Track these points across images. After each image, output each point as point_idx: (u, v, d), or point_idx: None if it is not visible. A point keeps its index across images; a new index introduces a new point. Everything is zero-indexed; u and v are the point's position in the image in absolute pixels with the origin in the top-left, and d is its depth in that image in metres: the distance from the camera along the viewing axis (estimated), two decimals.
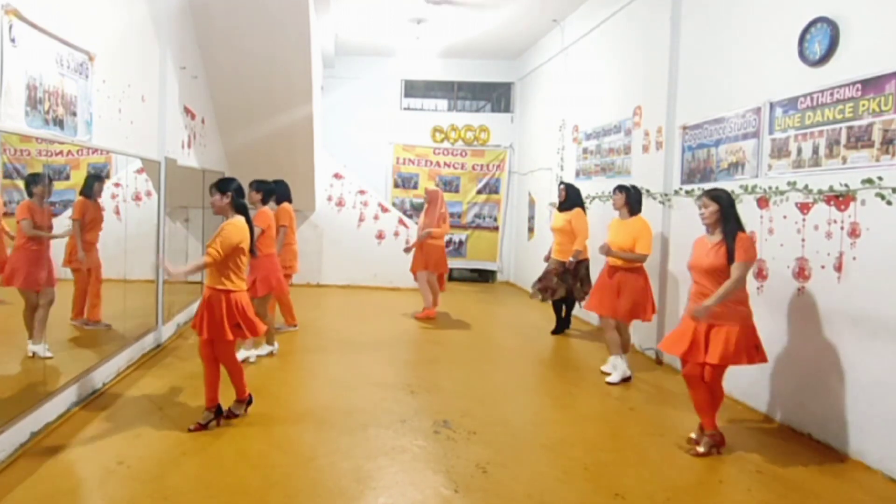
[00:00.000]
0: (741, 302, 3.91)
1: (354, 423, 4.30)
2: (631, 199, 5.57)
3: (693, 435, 4.12)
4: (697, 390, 3.97)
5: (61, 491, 3.24)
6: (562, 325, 7.39)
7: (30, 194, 4.70)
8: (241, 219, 4.17)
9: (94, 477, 3.39)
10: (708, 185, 5.46)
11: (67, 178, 5.57)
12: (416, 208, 11.86)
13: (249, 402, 4.40)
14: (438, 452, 3.86)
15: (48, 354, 4.55)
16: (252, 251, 4.25)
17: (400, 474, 3.58)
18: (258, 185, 5.78)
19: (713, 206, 4.01)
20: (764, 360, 3.98)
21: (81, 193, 5.45)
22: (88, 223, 5.50)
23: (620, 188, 5.65)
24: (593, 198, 7.79)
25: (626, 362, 5.52)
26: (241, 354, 5.32)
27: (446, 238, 11.79)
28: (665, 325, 6.10)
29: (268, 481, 3.40)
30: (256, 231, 5.06)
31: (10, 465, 3.46)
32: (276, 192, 6.18)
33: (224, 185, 4.21)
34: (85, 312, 5.68)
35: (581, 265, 6.83)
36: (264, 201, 5.80)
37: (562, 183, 7.34)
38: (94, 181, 5.50)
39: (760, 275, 4.74)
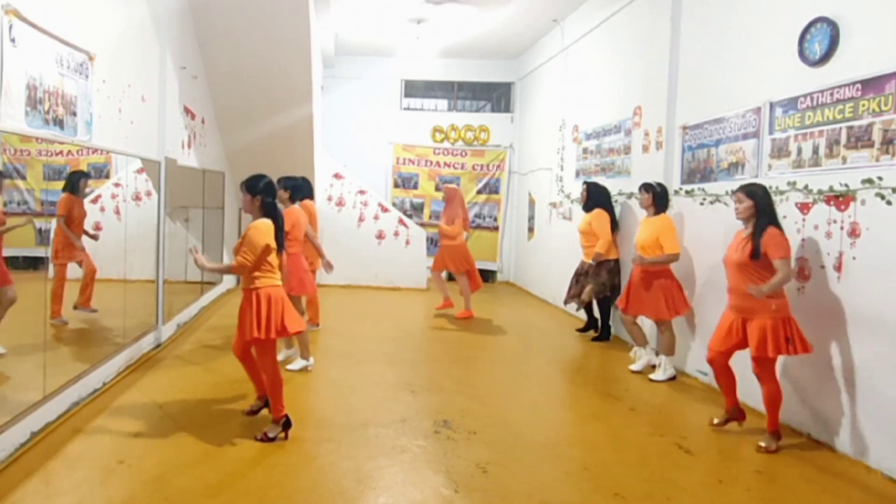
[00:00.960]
0: (771, 296, 3.95)
1: (355, 423, 4.30)
2: (657, 198, 5.64)
3: (716, 420, 4.42)
4: (720, 373, 4.32)
5: (62, 490, 3.24)
6: (590, 326, 7.25)
7: None
8: (266, 221, 3.99)
9: (94, 476, 3.39)
10: (708, 185, 5.47)
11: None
12: (416, 208, 11.88)
13: (287, 424, 3.99)
14: (438, 452, 3.86)
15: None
16: (280, 248, 4.10)
17: (400, 474, 3.58)
18: (286, 183, 5.66)
19: (748, 202, 4.08)
20: (803, 350, 3.97)
21: (66, 190, 5.39)
22: (75, 219, 5.46)
23: (646, 187, 5.71)
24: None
25: (669, 362, 5.52)
26: (297, 364, 5.49)
27: None
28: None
29: (268, 481, 3.41)
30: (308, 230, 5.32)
31: (10, 464, 3.46)
32: (305, 191, 6.20)
33: (253, 185, 4.04)
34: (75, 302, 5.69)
35: (602, 267, 6.63)
36: (293, 199, 5.69)
37: (585, 182, 7.18)
38: (80, 178, 5.45)
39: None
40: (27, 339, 4.47)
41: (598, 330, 7.13)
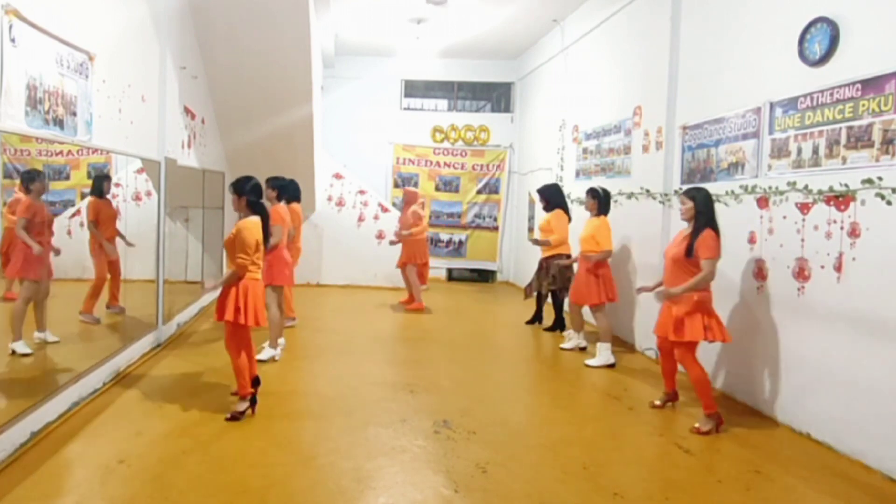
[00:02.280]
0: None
1: (354, 423, 4.30)
2: (601, 202, 6.22)
3: (657, 402, 4.80)
4: (665, 359, 4.72)
5: (62, 490, 3.24)
6: (536, 318, 7.89)
7: None
8: (254, 219, 4.37)
9: (94, 476, 3.39)
10: (708, 185, 5.47)
11: (67, 177, 5.58)
12: None
13: (253, 401, 4.36)
14: (438, 452, 3.86)
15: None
16: (265, 244, 4.49)
17: (400, 474, 3.58)
18: (274, 183, 6.07)
19: (689, 203, 4.45)
20: (721, 338, 4.34)
21: (92, 194, 5.58)
22: (104, 221, 5.70)
23: (592, 193, 6.28)
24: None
25: (606, 348, 6.00)
26: (265, 354, 5.64)
27: (445, 238, 11.97)
28: None
29: (268, 481, 3.41)
30: (278, 230, 5.60)
31: (10, 464, 3.46)
32: (291, 192, 6.39)
33: (240, 186, 4.44)
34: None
35: (553, 260, 7.04)
36: (279, 198, 6.09)
37: (538, 191, 7.56)
38: (103, 181, 5.66)
39: (760, 275, 4.75)
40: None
41: (541, 321, 7.83)
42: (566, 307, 7.24)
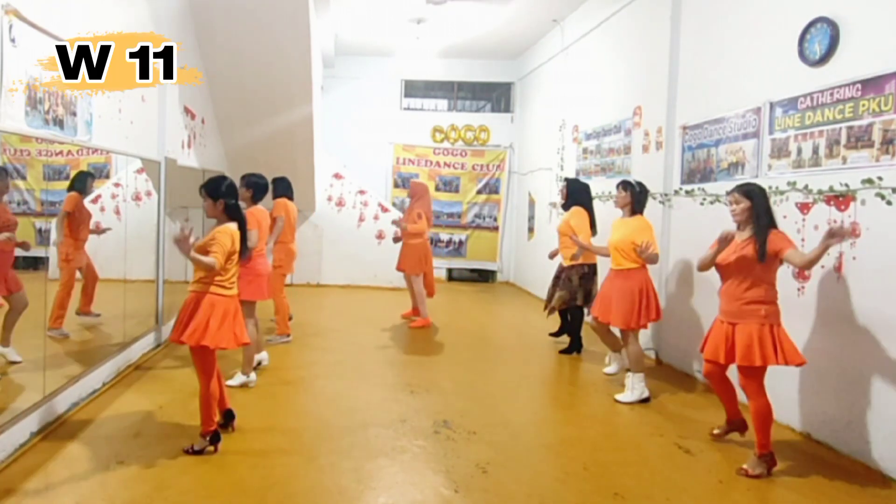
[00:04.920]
0: (760, 301, 3.70)
1: (354, 423, 4.30)
2: (634, 197, 5.15)
3: (716, 430, 4.24)
4: (718, 385, 4.05)
5: (61, 490, 3.24)
6: (563, 330, 6.81)
7: None
8: (232, 226, 3.81)
9: (94, 476, 3.39)
10: (708, 185, 5.47)
11: (67, 177, 5.57)
12: None
13: (216, 438, 3.76)
14: (438, 452, 3.86)
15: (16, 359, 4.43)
16: (242, 255, 3.88)
17: (400, 474, 3.58)
18: (249, 180, 5.21)
19: (745, 203, 3.77)
20: (794, 362, 3.68)
21: (72, 189, 5.33)
22: (79, 220, 5.40)
23: (625, 185, 5.22)
24: (593, 198, 7.77)
25: (639, 380, 5.00)
26: (237, 380, 4.93)
27: (446, 238, 11.88)
28: (666, 326, 6.10)
29: (268, 481, 3.40)
30: (254, 234, 4.79)
31: (10, 464, 3.46)
32: (275, 188, 6.17)
33: (214, 189, 3.83)
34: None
35: (573, 271, 6.07)
36: (255, 199, 5.21)
37: (565, 179, 6.73)
38: (88, 177, 5.45)
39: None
40: (28, 341, 4.49)
41: (565, 336, 6.63)
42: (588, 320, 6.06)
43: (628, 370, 5.06)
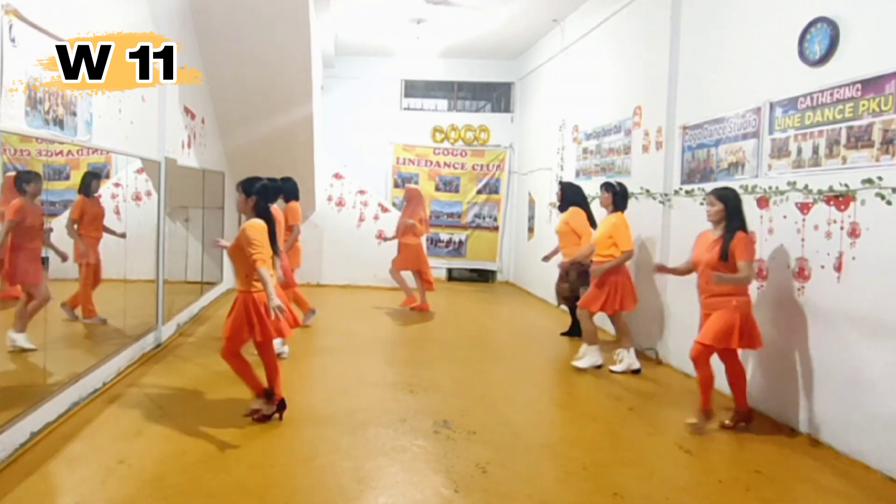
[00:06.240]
0: (730, 293, 4.19)
1: (354, 423, 4.30)
2: (616, 197, 5.82)
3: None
4: (700, 370, 4.32)
5: (61, 490, 3.24)
6: (572, 331, 7.10)
7: None
8: (260, 221, 4.15)
9: (94, 476, 3.39)
10: (708, 185, 5.46)
11: (67, 177, 5.58)
12: None
13: (282, 406, 4.28)
14: (438, 452, 3.86)
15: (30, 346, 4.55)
16: (274, 251, 4.26)
17: (400, 474, 3.58)
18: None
19: (719, 206, 4.29)
20: (749, 346, 4.23)
21: (80, 192, 5.50)
22: (88, 221, 5.56)
23: (606, 186, 5.91)
24: (593, 198, 7.78)
25: (631, 355, 5.73)
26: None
27: (445, 238, 11.93)
28: (666, 324, 6.10)
29: (268, 481, 3.40)
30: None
31: (10, 464, 3.46)
32: (283, 190, 6.26)
33: (249, 186, 4.23)
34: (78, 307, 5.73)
35: (573, 268, 6.49)
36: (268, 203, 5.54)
37: (559, 182, 7.26)
38: (91, 179, 5.55)
39: (760, 275, 4.74)
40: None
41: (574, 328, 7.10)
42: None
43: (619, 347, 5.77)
